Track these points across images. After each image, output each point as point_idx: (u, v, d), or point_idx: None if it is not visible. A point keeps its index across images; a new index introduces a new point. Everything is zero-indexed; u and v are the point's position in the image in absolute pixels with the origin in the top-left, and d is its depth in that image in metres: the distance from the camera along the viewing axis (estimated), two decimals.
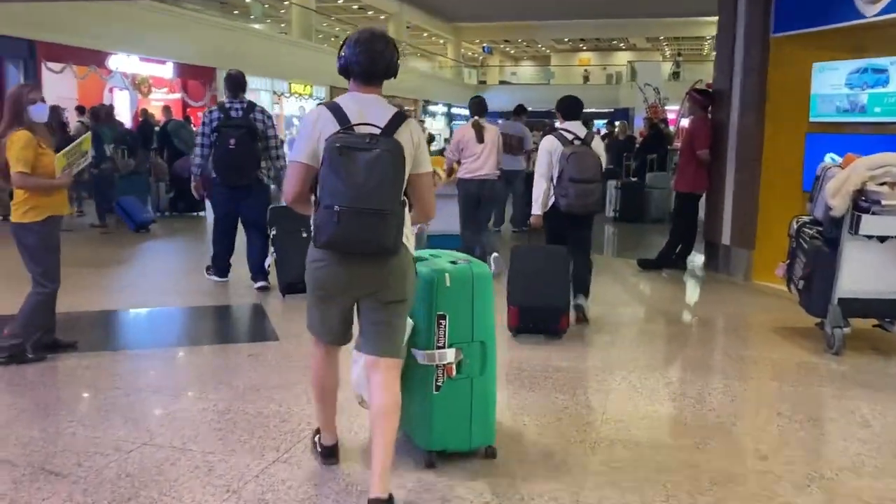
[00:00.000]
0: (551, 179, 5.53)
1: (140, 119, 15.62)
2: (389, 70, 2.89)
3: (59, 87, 16.28)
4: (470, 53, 46.12)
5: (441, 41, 41.26)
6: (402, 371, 3.05)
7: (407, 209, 2.88)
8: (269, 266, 6.68)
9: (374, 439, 2.86)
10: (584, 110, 5.83)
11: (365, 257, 2.81)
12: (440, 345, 3.16)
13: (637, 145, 14.91)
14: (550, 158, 5.52)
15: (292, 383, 4.35)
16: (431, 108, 36.75)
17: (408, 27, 35.87)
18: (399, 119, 2.85)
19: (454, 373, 3.20)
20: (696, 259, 8.61)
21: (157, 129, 16.18)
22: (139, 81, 17.72)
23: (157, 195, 12.35)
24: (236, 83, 6.51)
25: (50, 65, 15.00)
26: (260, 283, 6.66)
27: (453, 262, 3.30)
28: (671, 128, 17.84)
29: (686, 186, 8.30)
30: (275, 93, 24.02)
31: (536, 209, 5.62)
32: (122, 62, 16.88)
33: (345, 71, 2.92)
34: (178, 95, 19.71)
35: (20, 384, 4.29)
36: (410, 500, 3.02)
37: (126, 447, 3.46)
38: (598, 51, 45.90)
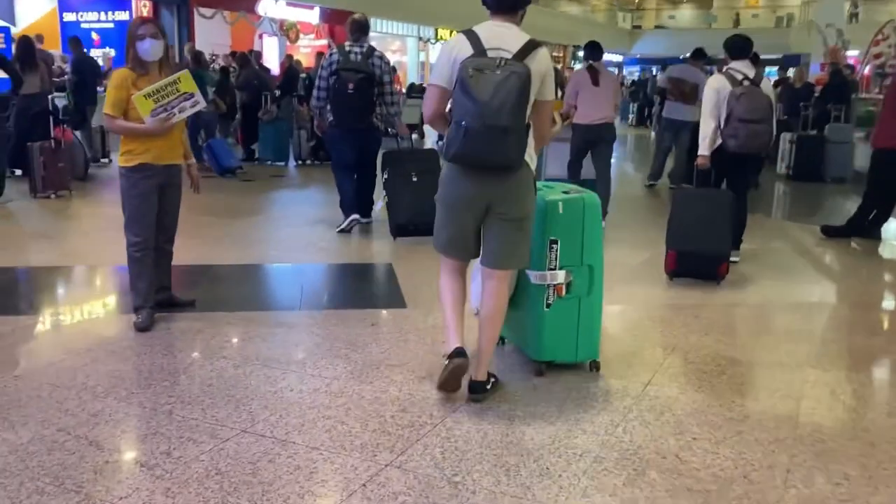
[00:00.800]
0: (718, 120, 5.43)
1: (285, 66, 15.57)
2: (518, 1, 3.14)
3: (213, 34, 16.53)
4: None
5: None
6: (517, 289, 3.52)
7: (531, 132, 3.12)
8: (380, 209, 6.82)
9: (480, 337, 3.32)
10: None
11: (488, 171, 3.08)
12: (551, 267, 3.45)
13: (816, 94, 13.21)
14: (717, 98, 5.44)
15: (416, 362, 3.79)
16: (582, 53, 35.04)
17: None
18: (531, 46, 3.03)
19: (564, 292, 3.49)
20: (894, 227, 7.33)
21: (303, 76, 16.21)
22: (287, 27, 17.71)
23: (297, 143, 12.17)
24: (358, 27, 6.49)
25: (202, 10, 15.15)
26: (365, 220, 6.87)
27: (566, 192, 3.54)
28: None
29: (887, 141, 7.00)
30: (420, 39, 23.52)
31: (704, 149, 5.53)
32: (269, 7, 16.87)
33: (484, 2, 3.16)
34: (324, 41, 19.62)
35: (126, 349, 3.97)
36: (523, 400, 3.39)
37: (223, 434, 3.01)
38: None
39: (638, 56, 39.06)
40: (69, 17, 15.31)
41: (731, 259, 5.48)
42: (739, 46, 5.61)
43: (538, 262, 3.45)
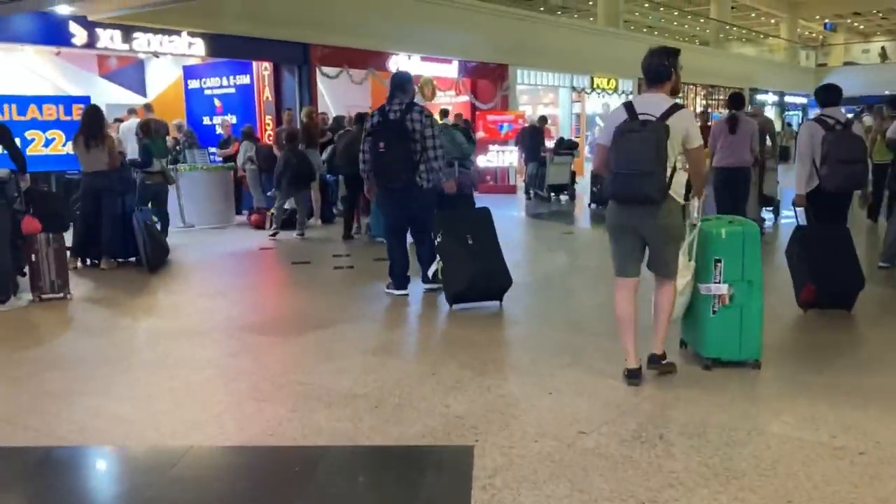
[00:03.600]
0: (814, 162, 5.92)
1: None
2: (658, 76, 4.07)
3: (348, 94, 15.28)
4: (807, 33, 39.47)
5: (773, 20, 35.60)
6: (691, 299, 4.33)
7: (676, 174, 3.99)
8: (433, 273, 6.42)
9: (655, 323, 4.22)
10: None
11: (636, 205, 3.99)
12: (716, 280, 4.25)
13: None
14: (812, 142, 5.92)
15: None
16: (759, 96, 31.49)
17: (733, 7, 31.21)
18: (672, 109, 3.97)
19: (727, 301, 4.25)
20: None
21: None
22: (422, 84, 16.13)
23: None
24: (396, 84, 6.28)
25: (325, 70, 13.88)
26: (428, 286, 6.52)
27: (730, 223, 4.38)
28: None
29: None
30: (574, 89, 21.35)
31: (801, 189, 6.01)
32: (402, 63, 15.40)
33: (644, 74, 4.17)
34: (465, 98, 17.93)
35: None
36: (697, 384, 4.11)
37: None
38: None
39: None
40: (193, 84, 14.58)
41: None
42: (831, 93, 6.15)
43: (705, 277, 4.27)
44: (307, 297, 6.62)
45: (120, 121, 13.36)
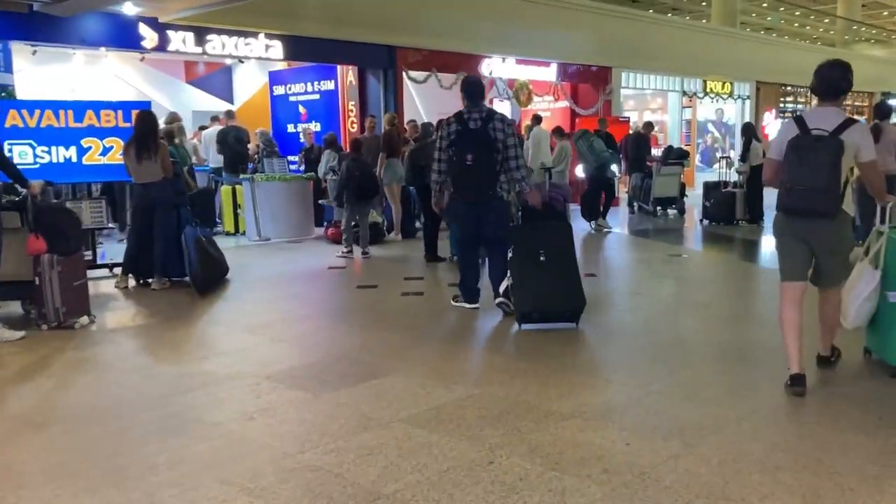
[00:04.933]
0: None
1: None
2: (836, 90, 4.08)
3: (440, 101, 14.37)
4: None
5: None
6: (878, 307, 4.26)
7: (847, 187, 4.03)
8: (504, 289, 5.94)
9: (821, 326, 4.41)
10: None
11: (807, 218, 4.03)
12: None
13: None
14: None
15: None
16: (892, 101, 28.63)
17: (864, 6, 28.58)
18: (846, 124, 3.96)
19: None
20: None
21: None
22: (517, 88, 15.05)
23: None
24: (473, 91, 5.95)
25: (412, 74, 13.00)
26: (500, 300, 6.02)
27: None
28: None
29: None
30: (685, 93, 19.71)
31: None
32: (496, 66, 14.36)
33: (812, 90, 4.18)
34: (564, 103, 16.70)
35: None
36: (878, 389, 4.14)
37: None
38: None
39: None
40: (278, 90, 14.03)
41: None
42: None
43: (894, 284, 4.18)
44: (359, 334, 5.65)
45: (204, 128, 12.95)
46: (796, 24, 32.33)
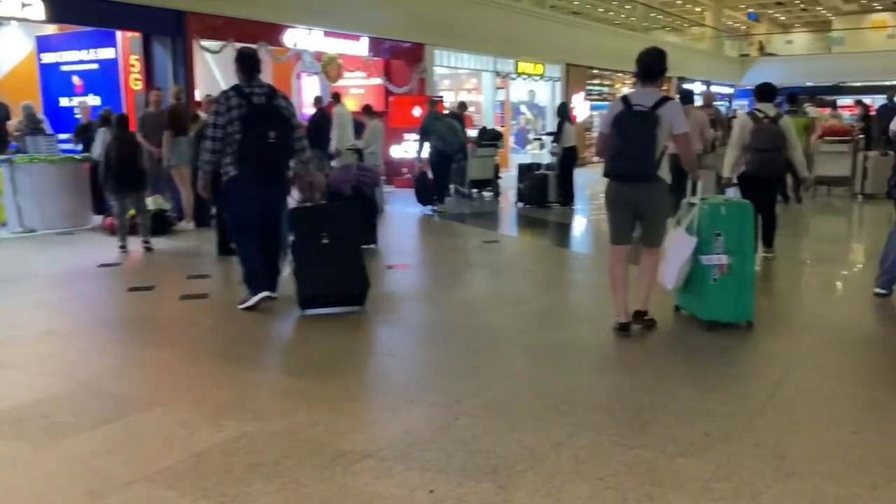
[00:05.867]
0: (744, 148, 6.84)
1: (317, 108, 11.95)
2: (654, 74, 4.69)
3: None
4: (730, 23, 38.89)
5: (698, 9, 34.76)
6: (691, 269, 4.80)
7: (664, 156, 4.61)
8: (286, 276, 5.72)
9: (640, 283, 4.83)
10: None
11: (630, 182, 4.61)
12: (717, 252, 4.73)
13: None
14: (742, 133, 6.84)
15: None
16: (687, 85, 30.53)
17: None
18: (662, 101, 4.53)
19: (726, 271, 4.74)
20: None
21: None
22: (325, 62, 14.12)
23: None
24: (250, 63, 5.44)
25: (205, 44, 11.71)
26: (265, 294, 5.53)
27: (727, 202, 4.96)
28: None
29: None
30: (498, 74, 19.62)
31: (727, 173, 7.02)
32: (301, 38, 13.34)
33: (636, 74, 4.83)
34: (378, 80, 15.97)
35: None
36: (694, 340, 4.70)
37: None
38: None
39: (750, 87, 34.24)
40: (48, 57, 12.19)
41: (766, 255, 7.12)
42: (766, 91, 7.05)
43: (707, 249, 4.74)
44: (116, 355, 4.64)
45: None
46: (601, 10, 33.59)
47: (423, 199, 11.50)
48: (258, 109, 5.28)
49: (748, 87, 34.75)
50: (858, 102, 19.34)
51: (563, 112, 12.47)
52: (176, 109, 9.47)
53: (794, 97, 12.55)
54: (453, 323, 5.28)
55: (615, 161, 4.59)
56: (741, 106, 32.74)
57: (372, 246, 8.12)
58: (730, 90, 34.55)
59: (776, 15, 40.31)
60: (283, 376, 4.23)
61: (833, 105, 18.56)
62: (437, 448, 3.16)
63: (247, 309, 5.43)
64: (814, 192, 13.21)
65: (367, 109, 11.59)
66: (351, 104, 13.81)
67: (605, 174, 4.71)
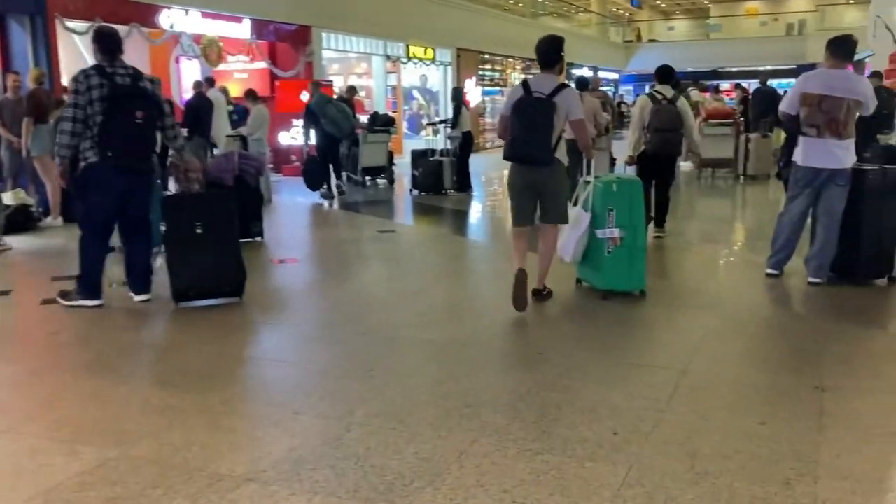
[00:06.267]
0: (644, 129, 7.22)
1: (195, 92, 11.27)
2: (550, 61, 4.91)
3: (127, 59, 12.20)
4: (615, 10, 39.84)
5: None
6: (588, 243, 5.17)
7: (561, 140, 4.91)
8: (157, 268, 5.47)
9: (539, 259, 5.12)
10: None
11: (529, 164, 4.87)
12: (610, 226, 5.06)
13: None
14: (642, 114, 7.21)
15: None
16: (575, 71, 31.02)
17: None
18: (559, 88, 4.79)
19: (619, 243, 5.08)
20: None
21: (229, 108, 12.05)
22: (205, 45, 13.37)
23: None
24: (114, 44, 5.04)
25: (69, 24, 10.80)
26: (142, 297, 5.26)
27: (619, 179, 5.30)
28: None
29: None
30: (388, 58, 19.25)
31: (630, 151, 7.39)
32: (178, 19, 12.56)
33: (537, 60, 5.06)
34: (263, 64, 15.29)
35: None
36: (594, 309, 5.06)
37: None
38: None
39: (634, 73, 35.22)
40: None
41: (657, 235, 7.39)
42: (665, 73, 7.45)
43: (601, 223, 5.08)
44: None
45: None
46: None
47: (313, 184, 11.12)
48: (123, 89, 4.92)
49: (633, 73, 35.84)
50: (737, 86, 20.12)
51: (459, 97, 12.30)
52: (37, 95, 8.66)
53: (678, 81, 12.84)
54: (346, 322, 4.95)
55: (515, 145, 4.79)
56: (627, 91, 33.88)
57: (258, 239, 7.68)
58: (615, 76, 35.39)
59: (658, 2, 41.65)
60: (155, 389, 3.80)
61: (716, 89, 19.24)
62: (327, 466, 2.85)
63: (91, 308, 5.07)
64: (699, 173, 13.59)
65: (250, 94, 11.02)
66: (234, 89, 13.14)
67: (506, 157, 4.92)
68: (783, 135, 11.32)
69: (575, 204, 5.24)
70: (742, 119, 14.25)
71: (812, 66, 23.19)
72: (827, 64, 5.46)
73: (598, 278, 5.26)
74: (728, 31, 36.63)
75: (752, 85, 25.07)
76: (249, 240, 7.63)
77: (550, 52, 4.90)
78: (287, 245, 7.83)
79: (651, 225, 7.10)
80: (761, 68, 32.38)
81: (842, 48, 5.45)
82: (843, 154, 5.40)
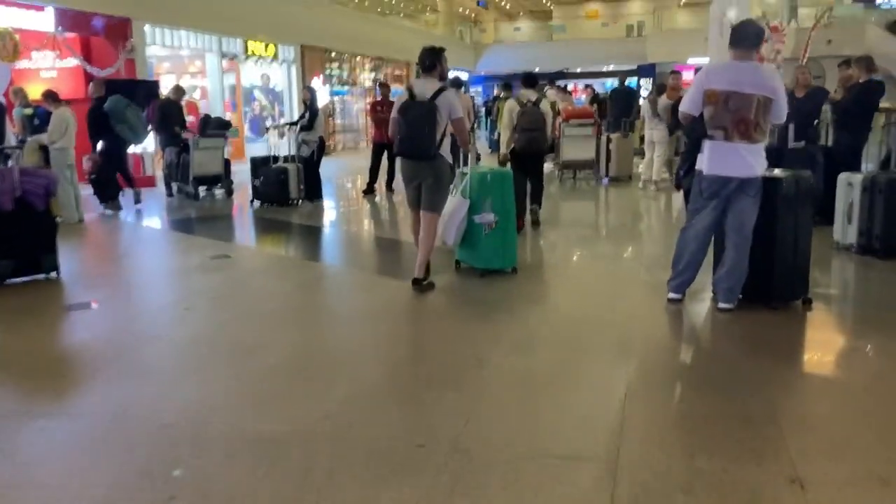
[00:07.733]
0: (514, 129, 7.85)
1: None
2: (429, 66, 5.50)
3: None
4: (460, 10, 39.53)
5: None
6: (466, 227, 5.81)
7: (446, 138, 5.54)
8: None
9: (419, 249, 5.64)
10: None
11: (413, 160, 5.53)
12: (486, 211, 5.72)
13: None
14: (511, 115, 7.84)
15: None
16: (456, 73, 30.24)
17: None
18: (440, 91, 5.38)
19: (494, 227, 5.74)
20: None
21: (27, 111, 10.17)
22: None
23: None
24: None
25: None
26: None
27: (492, 170, 6.08)
28: None
29: None
30: (225, 55, 17.52)
31: (503, 149, 8.10)
32: None
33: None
34: (75, 61, 13.25)
35: None
36: (472, 288, 5.71)
37: None
38: (608, 1, 39.68)
39: (483, 73, 34.99)
40: None
41: (532, 208, 8.28)
42: (529, 79, 8.23)
43: (478, 209, 5.74)
44: None
45: None
46: None
47: (107, 196, 10.08)
48: None
49: (482, 74, 35.63)
50: (588, 86, 19.89)
51: (314, 97, 11.06)
52: None
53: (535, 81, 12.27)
54: (146, 408, 3.55)
55: (402, 143, 5.44)
56: (476, 92, 33.56)
57: (53, 276, 6.10)
58: (465, 76, 35.01)
59: (503, 3, 41.73)
60: None
61: (564, 89, 18.91)
62: None
63: None
64: (561, 175, 13.02)
65: (49, 96, 9.19)
66: (36, 91, 11.15)
67: (395, 153, 5.62)
68: (644, 135, 11.07)
69: (454, 191, 5.81)
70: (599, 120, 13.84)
71: (652, 67, 23.56)
72: (733, 56, 4.71)
73: (476, 258, 5.94)
74: (572, 33, 37.20)
75: (604, 85, 25.13)
76: (41, 277, 6.05)
77: (426, 59, 5.52)
78: (89, 282, 6.29)
79: (528, 202, 8.06)
80: (605, 69, 33.22)
81: (745, 35, 4.72)
82: (754, 160, 4.67)
